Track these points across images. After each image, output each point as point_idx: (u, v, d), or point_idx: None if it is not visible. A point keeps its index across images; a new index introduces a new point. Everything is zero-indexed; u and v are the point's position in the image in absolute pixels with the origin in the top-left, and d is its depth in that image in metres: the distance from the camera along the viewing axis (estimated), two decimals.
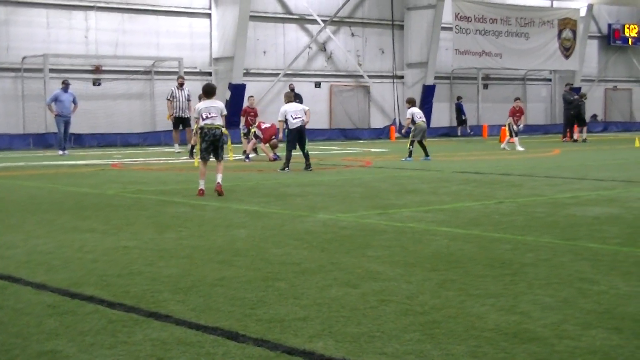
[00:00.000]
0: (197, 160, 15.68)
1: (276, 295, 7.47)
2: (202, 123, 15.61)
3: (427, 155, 25.23)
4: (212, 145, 15.66)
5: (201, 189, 15.52)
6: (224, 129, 15.75)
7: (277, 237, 10.82)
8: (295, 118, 21.33)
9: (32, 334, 6.24)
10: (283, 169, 21.17)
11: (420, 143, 25.38)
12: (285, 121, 21.39)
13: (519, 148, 30.42)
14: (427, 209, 13.63)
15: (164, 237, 10.89)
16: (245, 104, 29.08)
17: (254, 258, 9.33)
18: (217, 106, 15.74)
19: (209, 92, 15.94)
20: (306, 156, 21.48)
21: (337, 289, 7.68)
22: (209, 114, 15.57)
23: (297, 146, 21.42)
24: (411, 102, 26.56)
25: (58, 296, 7.46)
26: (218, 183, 15.46)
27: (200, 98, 15.94)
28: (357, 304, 7.12)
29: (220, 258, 9.33)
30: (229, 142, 16.18)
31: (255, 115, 27.37)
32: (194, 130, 16.88)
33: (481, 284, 7.91)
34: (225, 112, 15.89)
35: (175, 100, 30.23)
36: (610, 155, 27.58)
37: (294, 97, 38.42)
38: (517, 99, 33.35)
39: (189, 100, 30.22)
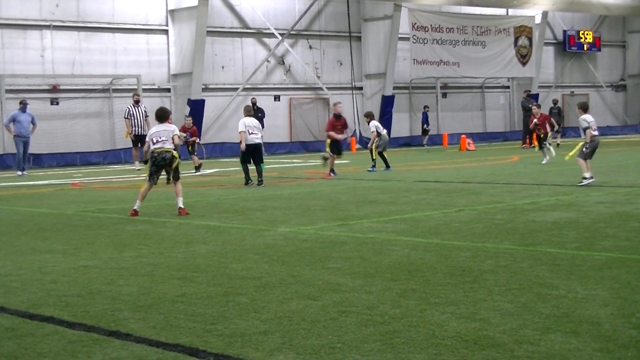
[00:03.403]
0: (146, 183, 15.67)
1: (237, 309, 7.47)
2: (152, 147, 15.55)
3: (388, 166, 25.31)
4: (162, 168, 15.67)
5: (135, 210, 15.28)
6: (175, 152, 15.63)
7: (237, 252, 10.81)
8: (252, 134, 21.12)
9: None
10: (246, 184, 21.06)
11: (381, 154, 25.44)
12: None
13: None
14: (388, 219, 13.68)
15: (123, 255, 10.85)
16: (183, 123, 28.66)
17: (214, 273, 9.32)
18: (167, 130, 15.63)
19: (161, 116, 15.88)
20: (259, 172, 21.16)
21: (297, 302, 7.69)
22: (159, 137, 15.49)
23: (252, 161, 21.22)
24: (370, 116, 26.56)
25: (17, 318, 7.41)
26: (180, 208, 15.26)
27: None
28: (318, 316, 7.13)
29: (181, 274, 9.31)
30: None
31: (194, 134, 27.64)
32: (145, 154, 16.78)
33: (441, 292, 7.95)
34: (177, 133, 15.82)
35: (132, 117, 30.11)
36: (568, 160, 27.78)
37: (256, 111, 38.58)
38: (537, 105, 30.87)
39: (146, 116, 30.11)
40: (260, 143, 21.33)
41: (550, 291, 7.86)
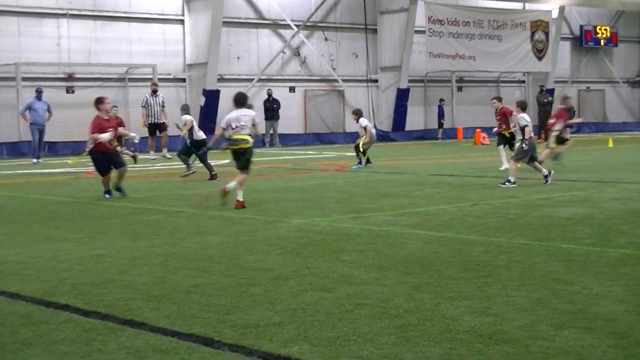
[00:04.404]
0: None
1: (251, 300, 7.47)
2: (230, 133, 14.84)
3: (368, 161, 24.56)
4: (239, 156, 15.03)
5: (225, 188, 14.81)
6: (251, 141, 15.04)
7: (250, 243, 10.82)
8: (199, 131, 21.55)
9: (6, 344, 6.21)
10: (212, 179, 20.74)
11: (364, 152, 24.64)
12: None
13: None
14: (401, 213, 13.66)
15: (137, 244, 10.86)
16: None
17: (227, 264, 9.32)
18: (248, 115, 14.99)
19: (241, 101, 15.13)
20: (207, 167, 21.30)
21: (311, 294, 7.69)
22: (239, 122, 14.79)
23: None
24: (359, 113, 25.22)
25: (32, 305, 7.43)
26: (240, 201, 14.67)
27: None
28: (332, 308, 7.13)
29: (194, 265, 9.32)
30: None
31: (122, 123, 26.36)
32: (215, 139, 16.14)
33: (455, 286, 7.94)
34: (257, 121, 15.20)
35: (149, 107, 30.14)
36: (583, 156, 27.74)
37: (271, 102, 38.52)
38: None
39: (163, 106, 30.13)
40: (205, 139, 21.75)
41: (564, 287, 7.84)
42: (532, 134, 18.43)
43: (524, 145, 18.16)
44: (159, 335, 6.36)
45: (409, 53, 43.23)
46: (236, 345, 6.05)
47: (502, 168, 21.53)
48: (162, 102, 30.19)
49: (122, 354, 5.91)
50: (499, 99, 23.26)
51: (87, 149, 17.27)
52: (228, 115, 15.18)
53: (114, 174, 16.60)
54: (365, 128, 24.60)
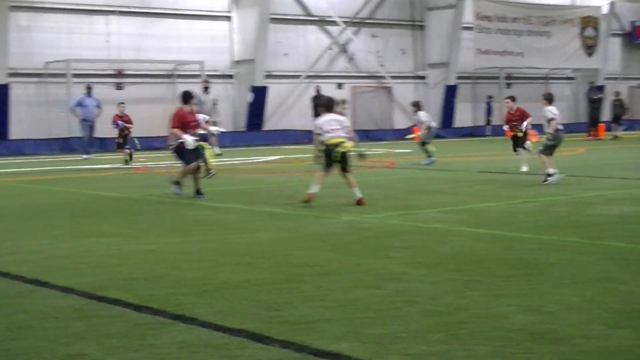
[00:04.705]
0: (321, 175, 14.72)
1: (301, 297, 7.48)
2: (326, 137, 14.47)
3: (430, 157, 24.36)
4: (339, 160, 14.59)
5: (310, 194, 14.42)
6: (348, 143, 14.75)
7: (301, 239, 10.83)
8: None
9: (59, 337, 6.27)
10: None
11: (424, 145, 24.43)
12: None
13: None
14: (451, 210, 13.60)
15: (187, 240, 10.92)
16: (116, 112, 27.81)
17: (278, 260, 9.34)
18: (339, 119, 14.82)
19: (329, 106, 14.95)
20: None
21: (361, 290, 7.68)
22: (332, 126, 14.54)
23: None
24: (418, 106, 25.29)
25: (84, 300, 7.50)
26: (359, 198, 14.34)
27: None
28: (381, 305, 7.11)
29: (245, 261, 9.35)
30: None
31: (129, 121, 27.28)
32: (318, 143, 15.39)
33: (506, 284, 7.88)
34: (348, 124, 15.01)
35: (201, 104, 30.26)
36: (635, 153, 27.43)
37: (319, 99, 38.50)
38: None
39: (215, 103, 30.19)
40: (206, 134, 21.62)
41: (618, 286, 7.74)
42: (560, 127, 17.90)
43: (547, 140, 17.69)
44: (209, 331, 6.39)
45: (457, 49, 43.06)
46: (287, 342, 6.05)
47: (524, 169, 20.74)
48: (215, 99, 30.27)
49: (173, 349, 5.94)
50: (512, 99, 22.51)
51: (174, 145, 16.27)
52: (317, 121, 15.03)
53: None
54: (423, 122, 24.43)
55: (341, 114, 24.76)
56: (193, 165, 15.83)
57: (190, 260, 9.45)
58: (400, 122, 42.86)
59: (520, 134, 21.45)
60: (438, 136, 41.55)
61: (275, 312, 6.95)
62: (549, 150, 17.69)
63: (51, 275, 8.62)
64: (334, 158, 14.56)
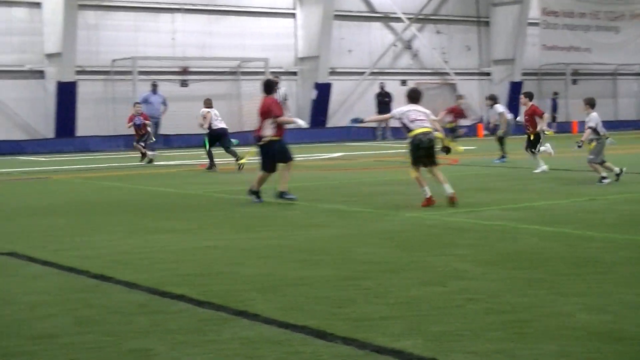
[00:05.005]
0: (414, 170, 13.80)
1: (363, 294, 7.47)
2: (412, 126, 13.73)
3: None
4: (426, 152, 13.82)
5: (429, 197, 13.58)
6: (437, 134, 14.35)
7: (361, 236, 10.82)
8: (216, 120, 22.76)
9: (123, 332, 6.34)
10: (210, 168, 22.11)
11: (502, 140, 24.13)
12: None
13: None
14: (515, 207, 13.48)
15: (247, 236, 10.97)
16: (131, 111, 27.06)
17: (339, 257, 9.34)
18: (424, 111, 14.05)
19: (414, 97, 14.22)
20: (234, 155, 22.44)
21: (423, 288, 7.65)
22: (418, 116, 13.80)
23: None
24: (494, 99, 24.94)
25: (148, 295, 7.57)
26: (451, 195, 13.56)
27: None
28: (443, 303, 7.08)
29: (305, 257, 9.36)
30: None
31: (146, 119, 26.67)
32: (378, 119, 14.57)
33: (570, 282, 7.79)
34: (433, 117, 14.30)
35: None
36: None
37: (383, 95, 38.42)
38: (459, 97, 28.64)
39: (285, 99, 30.14)
40: (226, 128, 22.80)
41: None
42: (604, 131, 17.09)
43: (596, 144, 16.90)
44: (272, 327, 6.41)
45: (522, 46, 42.71)
46: (349, 338, 6.04)
47: (539, 170, 19.58)
48: (285, 95, 30.27)
49: (236, 344, 5.97)
50: (527, 95, 20.85)
51: (263, 140, 14.61)
52: (401, 108, 14.29)
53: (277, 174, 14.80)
54: (501, 114, 23.73)
55: (458, 109, 24.42)
56: (268, 172, 14.60)
57: (252, 256, 9.49)
58: (464, 119, 42.57)
59: (532, 135, 20.09)
60: None
61: (337, 309, 6.95)
62: (598, 155, 16.94)
63: (115, 270, 8.72)
64: (425, 146, 13.66)
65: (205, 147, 22.58)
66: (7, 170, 23.20)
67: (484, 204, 14.03)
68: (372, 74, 40.24)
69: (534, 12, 43.12)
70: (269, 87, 15.08)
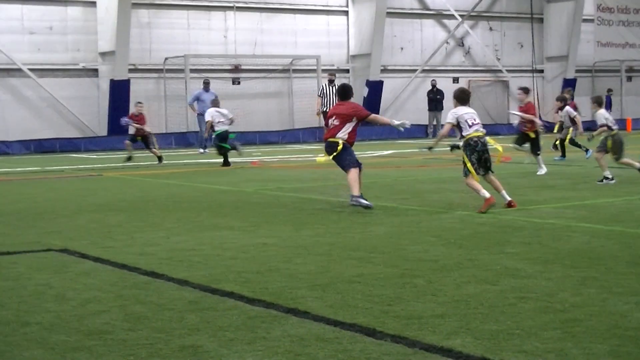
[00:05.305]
0: (474, 176, 13.07)
1: (413, 292, 7.44)
2: (469, 132, 13.15)
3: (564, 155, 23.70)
4: (482, 156, 13.25)
5: (487, 198, 12.75)
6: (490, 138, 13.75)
7: (414, 234, 10.79)
8: (219, 122, 23.22)
9: (174, 329, 6.38)
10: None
11: (576, 143, 23.60)
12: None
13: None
14: (567, 205, 13.36)
15: (301, 234, 10.98)
16: (132, 110, 26.07)
17: (391, 255, 9.32)
18: (475, 113, 13.61)
19: (464, 98, 13.67)
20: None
21: (474, 286, 7.60)
22: (474, 120, 13.32)
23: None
24: (564, 100, 23.57)
25: (199, 292, 7.61)
26: (509, 201, 13.15)
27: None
28: (495, 301, 7.03)
29: (357, 255, 9.36)
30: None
31: (142, 121, 24.86)
32: (442, 136, 14.06)
33: (624, 281, 7.70)
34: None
35: (325, 96, 30.31)
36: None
37: (435, 93, 38.27)
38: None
39: None
40: (226, 130, 23.11)
41: None
42: (615, 129, 16.79)
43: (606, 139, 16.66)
44: (321, 325, 6.41)
45: (576, 42, 42.32)
46: (399, 336, 6.02)
47: (541, 173, 18.77)
48: None
49: (285, 342, 5.98)
50: (524, 90, 19.73)
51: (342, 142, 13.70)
52: (455, 110, 13.41)
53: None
54: (574, 119, 22.77)
55: (574, 104, 23.42)
56: (357, 167, 13.60)
57: (303, 254, 9.50)
58: (516, 116, 42.30)
59: (531, 133, 19.27)
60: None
61: (387, 306, 6.93)
62: (621, 151, 16.71)
63: (167, 267, 8.79)
64: (480, 152, 13.14)
65: (220, 147, 23.26)
66: (61, 167, 23.44)
67: (536, 201, 13.93)
68: (424, 71, 40.11)
69: (589, 9, 42.71)
70: (347, 92, 14.12)
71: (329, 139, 13.82)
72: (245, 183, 18.11)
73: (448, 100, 38.58)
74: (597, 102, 17.43)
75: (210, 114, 23.16)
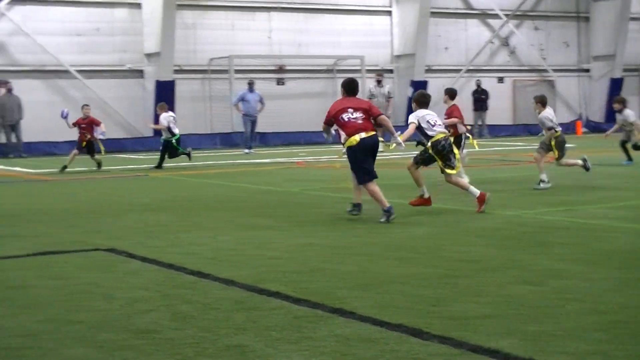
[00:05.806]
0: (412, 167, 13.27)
1: (456, 292, 7.46)
2: (433, 132, 13.16)
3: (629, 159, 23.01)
4: (447, 155, 13.19)
5: (427, 197, 13.13)
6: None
7: (455, 234, 10.79)
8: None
9: (220, 328, 6.45)
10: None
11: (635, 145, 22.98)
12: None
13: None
14: (612, 206, 13.28)
15: (343, 234, 11.03)
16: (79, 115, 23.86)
17: (432, 255, 9.34)
18: (436, 115, 13.51)
19: (424, 102, 13.47)
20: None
21: (517, 287, 7.61)
22: (436, 121, 13.27)
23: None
24: (624, 103, 22.19)
25: (245, 292, 7.68)
26: (429, 196, 13.22)
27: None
28: (540, 302, 7.03)
29: (399, 255, 9.39)
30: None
31: (90, 125, 23.40)
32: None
33: None
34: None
35: (373, 97, 30.30)
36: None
37: (480, 92, 38.09)
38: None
39: (389, 97, 29.95)
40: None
41: None
42: (559, 130, 16.64)
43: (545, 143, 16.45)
44: (367, 325, 6.44)
45: (623, 41, 41.94)
46: (445, 337, 6.04)
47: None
48: (389, 92, 30.13)
49: (331, 342, 6.03)
50: (449, 94, 17.62)
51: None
52: (416, 113, 13.36)
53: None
54: (634, 122, 21.72)
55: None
56: (372, 181, 12.58)
57: (345, 254, 9.54)
58: (562, 116, 42.03)
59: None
60: (602, 130, 40.71)
61: (432, 307, 6.95)
62: (545, 151, 16.46)
63: (212, 267, 8.87)
64: (445, 153, 13.09)
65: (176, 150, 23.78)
66: (108, 167, 23.67)
67: (580, 202, 13.87)
68: (469, 71, 39.98)
69: (636, 7, 42.32)
70: (356, 88, 13.21)
71: (370, 131, 12.69)
72: (290, 183, 18.18)
73: (493, 100, 38.50)
74: (541, 102, 16.91)
75: (166, 118, 23.67)
